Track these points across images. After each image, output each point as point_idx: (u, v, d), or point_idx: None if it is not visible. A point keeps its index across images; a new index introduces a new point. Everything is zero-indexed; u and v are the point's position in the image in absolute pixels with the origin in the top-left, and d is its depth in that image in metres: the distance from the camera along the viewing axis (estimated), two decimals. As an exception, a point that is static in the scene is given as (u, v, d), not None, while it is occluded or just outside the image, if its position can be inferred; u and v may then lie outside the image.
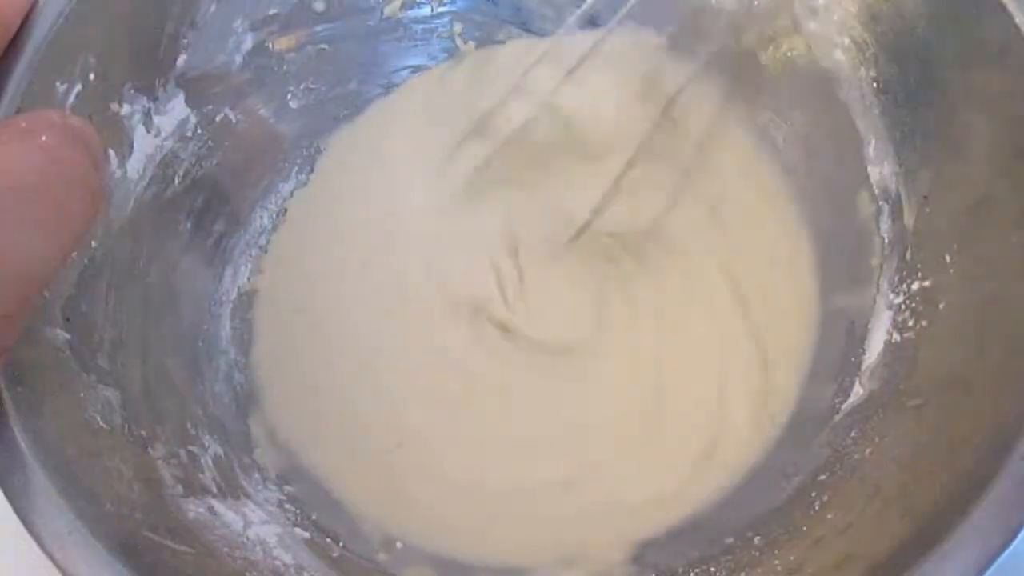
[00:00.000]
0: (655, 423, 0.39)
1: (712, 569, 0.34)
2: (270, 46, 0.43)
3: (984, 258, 0.33)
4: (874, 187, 0.40)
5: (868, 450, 0.34)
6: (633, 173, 0.39)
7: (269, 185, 0.44)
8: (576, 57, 0.37)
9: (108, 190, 0.35)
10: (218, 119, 0.41)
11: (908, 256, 0.37)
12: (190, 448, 0.35)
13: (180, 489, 0.32)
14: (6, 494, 0.26)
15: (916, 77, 0.37)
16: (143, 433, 0.33)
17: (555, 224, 0.41)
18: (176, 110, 0.39)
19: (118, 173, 0.36)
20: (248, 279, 0.43)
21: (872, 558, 0.28)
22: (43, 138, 0.25)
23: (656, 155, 0.40)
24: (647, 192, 0.38)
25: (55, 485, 0.26)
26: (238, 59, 0.42)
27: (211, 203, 0.41)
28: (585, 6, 0.40)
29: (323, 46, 0.45)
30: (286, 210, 0.45)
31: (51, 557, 0.26)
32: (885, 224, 0.39)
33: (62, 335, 0.31)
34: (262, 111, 0.44)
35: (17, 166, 0.24)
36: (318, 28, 0.44)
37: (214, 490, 0.34)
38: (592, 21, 0.45)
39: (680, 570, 0.35)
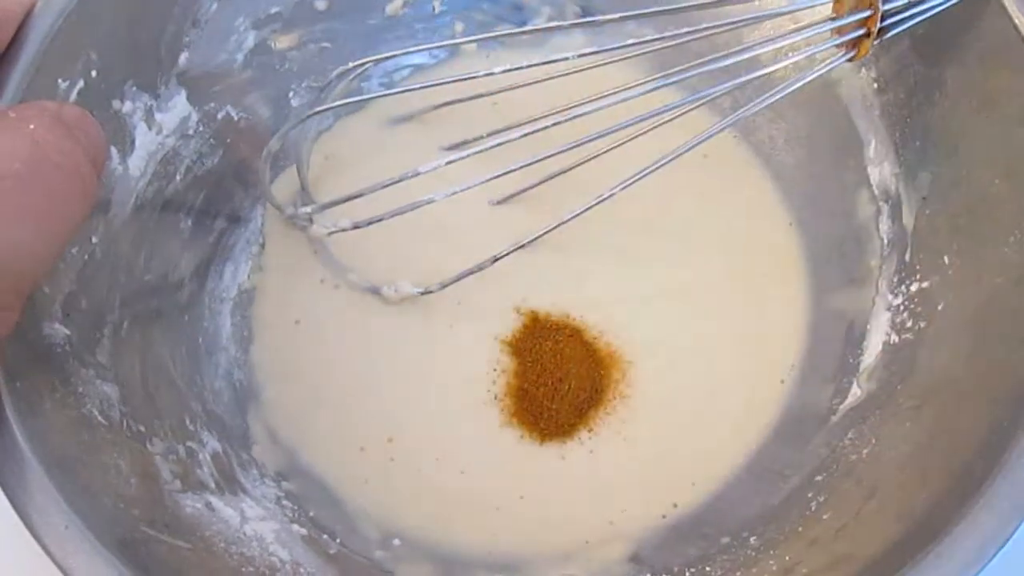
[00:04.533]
0: (652, 420, 0.39)
1: (708, 568, 0.34)
2: (272, 44, 0.43)
3: (983, 259, 0.33)
4: (874, 187, 0.40)
5: (865, 451, 0.34)
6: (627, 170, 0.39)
7: (270, 183, 0.44)
8: (574, 54, 0.37)
9: (109, 185, 0.35)
10: (220, 117, 0.41)
11: (907, 257, 0.37)
12: (189, 444, 0.35)
13: (178, 484, 0.32)
14: (3, 489, 0.26)
15: (916, 77, 0.37)
16: (142, 429, 0.33)
17: (548, 215, 0.41)
18: (178, 108, 0.39)
19: (119, 170, 0.36)
20: (248, 276, 0.43)
21: (866, 558, 0.28)
22: (31, 127, 0.24)
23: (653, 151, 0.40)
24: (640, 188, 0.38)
25: (53, 480, 0.26)
26: (240, 57, 0.42)
27: (212, 200, 0.41)
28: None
29: (325, 44, 0.45)
30: (288, 208, 0.45)
31: (48, 552, 0.26)
32: (884, 225, 0.39)
33: (61, 331, 0.31)
34: (264, 109, 0.44)
35: (2, 155, 0.23)
36: (320, 26, 0.44)
37: (212, 486, 0.34)
38: (591, 20, 0.45)
39: (677, 569, 0.35)
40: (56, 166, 0.25)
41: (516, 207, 0.44)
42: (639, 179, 0.37)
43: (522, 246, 0.39)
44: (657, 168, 0.37)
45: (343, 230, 0.40)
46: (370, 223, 0.38)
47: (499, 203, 0.44)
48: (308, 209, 0.42)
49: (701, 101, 0.37)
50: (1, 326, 0.25)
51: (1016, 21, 0.32)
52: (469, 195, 0.37)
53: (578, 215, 0.38)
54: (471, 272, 0.39)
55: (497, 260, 0.39)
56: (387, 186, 0.36)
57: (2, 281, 0.24)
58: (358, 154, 0.45)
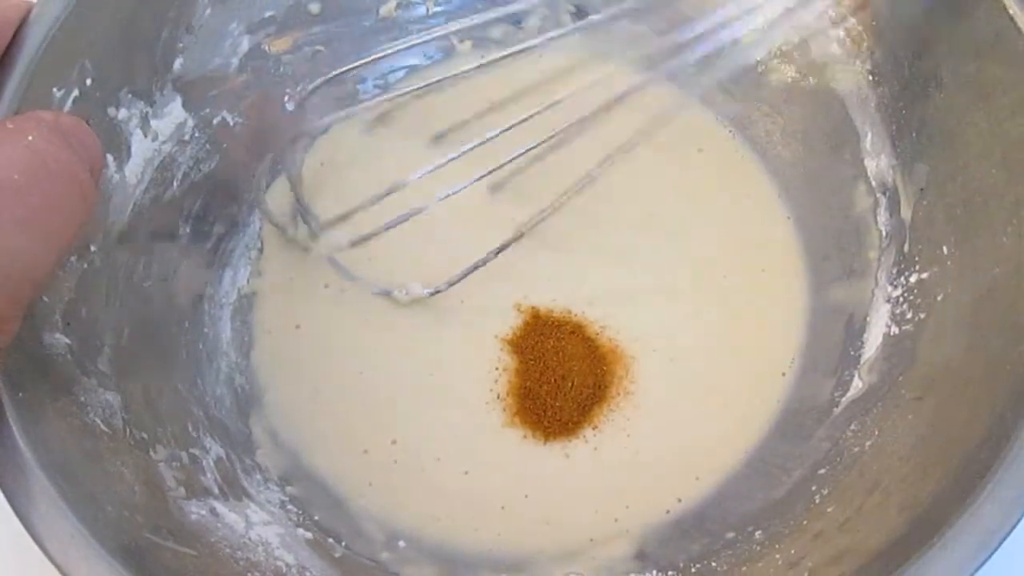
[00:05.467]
0: (655, 416, 0.39)
1: (713, 563, 0.34)
2: (266, 48, 0.43)
3: (981, 249, 0.33)
4: (871, 180, 0.40)
5: (867, 443, 0.34)
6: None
7: (267, 187, 0.44)
8: (570, 53, 0.37)
9: (106, 193, 0.35)
10: (215, 122, 0.41)
11: (906, 249, 0.37)
12: (192, 450, 0.35)
13: (182, 491, 0.32)
14: (8, 498, 0.26)
15: (911, 69, 0.37)
16: (144, 436, 0.33)
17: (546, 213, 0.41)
18: (174, 114, 0.39)
19: (116, 178, 0.36)
20: (248, 281, 0.43)
21: (871, 551, 0.28)
22: (30, 138, 0.25)
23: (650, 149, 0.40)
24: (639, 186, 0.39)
25: (57, 488, 0.26)
26: (235, 62, 0.42)
27: (210, 206, 0.42)
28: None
29: (319, 47, 0.45)
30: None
31: (53, 560, 0.26)
32: (883, 217, 0.39)
33: (63, 340, 0.31)
34: (259, 113, 0.44)
35: (1, 165, 0.24)
36: (314, 30, 0.44)
37: (216, 492, 0.34)
38: (586, 18, 0.45)
39: (682, 564, 0.35)
40: (54, 175, 0.25)
41: (513, 204, 0.44)
42: (623, 152, 0.37)
43: (522, 235, 0.38)
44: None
45: (341, 250, 0.40)
46: (366, 239, 0.38)
47: (495, 192, 0.43)
48: (306, 230, 0.42)
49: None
50: (2, 335, 0.25)
51: (1011, 12, 0.32)
52: (465, 193, 0.37)
53: (563, 199, 0.37)
54: (476, 267, 0.40)
55: (501, 251, 0.39)
56: (380, 199, 0.36)
57: (2, 290, 0.24)
58: (354, 158, 0.45)
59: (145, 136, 0.37)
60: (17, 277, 0.24)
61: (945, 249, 0.35)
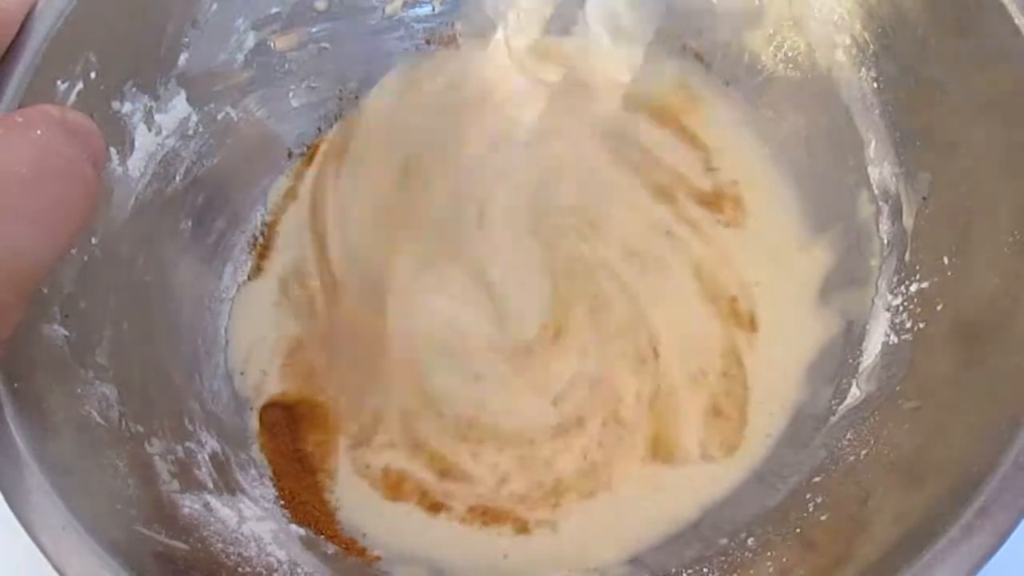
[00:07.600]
0: (650, 420, 0.39)
1: (705, 570, 0.34)
2: (271, 45, 0.43)
3: (982, 259, 0.33)
4: (874, 188, 0.40)
5: (863, 452, 0.34)
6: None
7: (270, 183, 0.45)
8: (572, 53, 0.37)
9: (108, 187, 0.35)
10: (219, 117, 0.42)
11: (907, 257, 0.37)
12: (187, 444, 0.35)
13: (176, 485, 0.32)
14: (1, 489, 0.26)
15: (916, 77, 0.37)
16: (140, 429, 0.33)
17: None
18: (177, 108, 0.39)
19: (119, 171, 0.36)
20: (248, 277, 0.43)
21: (863, 560, 0.28)
22: (38, 132, 0.25)
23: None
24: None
25: (50, 480, 0.27)
26: (240, 58, 0.42)
27: (212, 201, 0.42)
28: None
29: (324, 45, 0.45)
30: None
31: (45, 552, 0.26)
32: (884, 225, 0.39)
33: (60, 331, 0.31)
34: (263, 110, 0.44)
35: (9, 159, 0.24)
36: (319, 27, 0.44)
37: (210, 486, 0.34)
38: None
39: (674, 570, 0.35)
40: (59, 170, 0.25)
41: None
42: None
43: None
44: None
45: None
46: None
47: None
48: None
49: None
50: (3, 327, 0.25)
51: (1016, 22, 0.32)
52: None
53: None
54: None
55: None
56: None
57: (5, 282, 0.24)
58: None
59: (149, 130, 0.38)
60: (20, 270, 0.24)
61: (946, 259, 0.35)
